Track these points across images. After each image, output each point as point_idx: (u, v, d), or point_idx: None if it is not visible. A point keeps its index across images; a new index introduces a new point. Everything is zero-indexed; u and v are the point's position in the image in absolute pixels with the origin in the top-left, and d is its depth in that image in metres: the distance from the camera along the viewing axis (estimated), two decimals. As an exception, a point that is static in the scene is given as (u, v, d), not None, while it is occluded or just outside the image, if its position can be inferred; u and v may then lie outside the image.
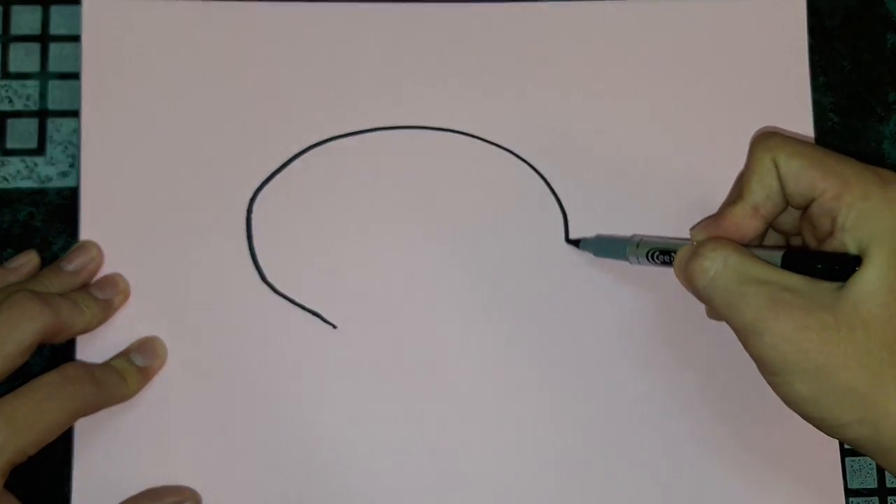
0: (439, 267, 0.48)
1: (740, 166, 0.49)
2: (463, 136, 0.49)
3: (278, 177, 0.48)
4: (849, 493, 0.48)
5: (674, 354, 0.48)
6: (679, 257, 0.41)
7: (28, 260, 0.46)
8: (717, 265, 0.38)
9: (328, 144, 0.49)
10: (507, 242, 0.48)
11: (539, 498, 0.46)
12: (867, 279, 0.36)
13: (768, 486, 0.47)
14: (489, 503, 0.46)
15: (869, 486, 0.48)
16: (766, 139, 0.39)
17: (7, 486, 0.40)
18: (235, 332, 0.47)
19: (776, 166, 0.39)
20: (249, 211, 0.48)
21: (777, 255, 0.38)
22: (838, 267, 0.36)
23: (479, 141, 0.49)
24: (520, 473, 0.47)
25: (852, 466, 0.48)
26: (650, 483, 0.47)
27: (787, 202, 0.40)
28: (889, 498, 0.48)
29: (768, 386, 0.47)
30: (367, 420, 0.47)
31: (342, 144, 0.49)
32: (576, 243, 0.48)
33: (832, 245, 0.38)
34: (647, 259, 0.44)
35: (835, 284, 0.36)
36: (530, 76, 0.50)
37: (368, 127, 0.49)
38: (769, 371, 0.37)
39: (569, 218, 0.49)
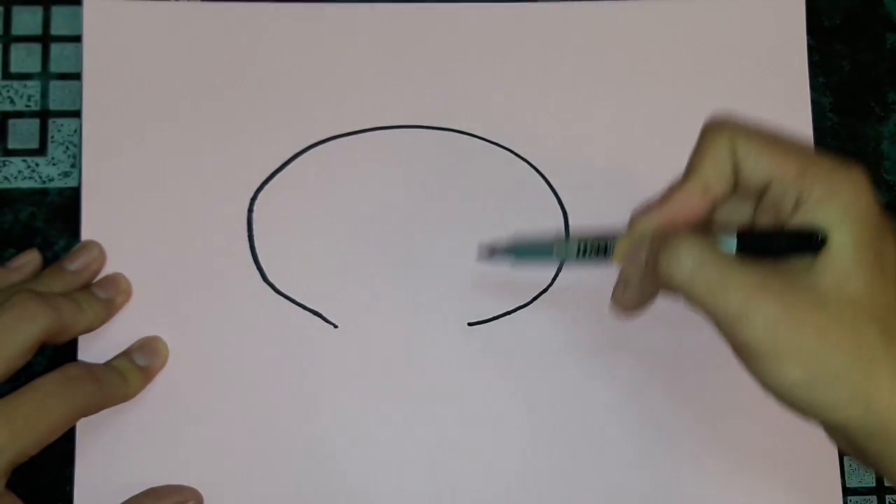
0: (440, 266, 0.48)
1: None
2: (463, 136, 0.49)
3: (279, 176, 0.48)
4: (847, 491, 0.48)
5: (672, 351, 0.48)
6: (624, 244, 0.38)
7: (30, 260, 0.46)
8: (695, 260, 0.36)
9: (328, 144, 0.49)
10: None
11: (539, 497, 0.47)
12: (842, 256, 0.35)
13: (766, 484, 0.47)
14: (489, 502, 0.46)
15: (867, 485, 0.49)
16: (724, 122, 0.38)
17: (9, 485, 0.41)
18: (236, 332, 0.47)
19: (733, 150, 0.37)
20: (250, 211, 0.48)
21: (731, 235, 0.37)
22: (804, 243, 0.35)
23: (479, 140, 0.49)
24: (520, 473, 0.47)
25: (850, 465, 0.48)
26: (649, 482, 0.47)
27: (733, 188, 0.38)
28: (888, 497, 0.48)
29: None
30: (368, 419, 0.47)
31: (342, 144, 0.49)
32: (490, 253, 0.41)
33: (797, 221, 0.36)
34: (578, 256, 0.39)
35: (809, 264, 0.35)
36: (530, 76, 0.50)
37: (368, 127, 0.49)
38: (760, 356, 0.35)
39: (569, 216, 0.49)
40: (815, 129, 0.50)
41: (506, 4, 0.51)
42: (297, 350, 0.47)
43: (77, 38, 0.50)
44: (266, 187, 0.48)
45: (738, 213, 0.40)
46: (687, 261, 0.36)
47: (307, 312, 0.47)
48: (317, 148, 0.49)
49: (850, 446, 0.37)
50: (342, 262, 0.48)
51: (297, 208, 0.48)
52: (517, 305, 0.48)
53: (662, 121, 0.50)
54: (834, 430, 0.37)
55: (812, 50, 0.51)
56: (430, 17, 0.50)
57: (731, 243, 0.37)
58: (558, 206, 0.49)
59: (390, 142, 0.49)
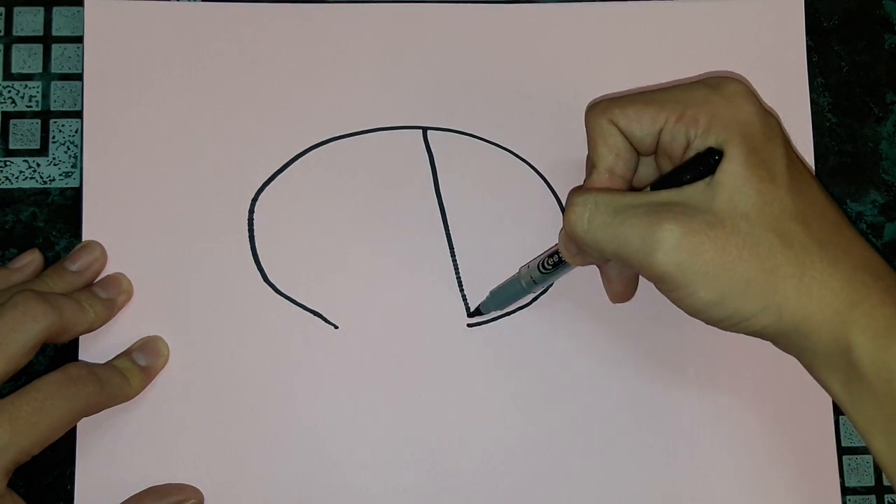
0: (440, 266, 0.48)
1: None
2: (463, 136, 0.50)
3: (280, 177, 0.48)
4: (845, 490, 0.48)
5: (673, 351, 0.48)
6: (560, 240, 0.42)
7: (32, 259, 0.46)
8: (590, 207, 0.38)
9: (329, 145, 0.49)
10: (508, 241, 0.49)
11: (539, 497, 0.47)
12: (732, 171, 0.37)
13: (766, 484, 0.47)
14: (489, 502, 0.47)
15: (866, 485, 0.49)
16: (596, 105, 0.40)
17: (11, 485, 0.41)
18: (237, 332, 0.47)
19: (615, 124, 0.40)
20: (251, 211, 0.48)
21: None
22: (703, 166, 0.37)
23: (479, 141, 0.50)
24: (520, 472, 0.47)
25: (849, 465, 0.49)
26: (647, 480, 0.47)
27: (637, 155, 0.41)
28: (887, 496, 0.49)
29: (763, 387, 0.48)
30: (368, 419, 0.47)
31: (343, 145, 0.49)
32: (478, 313, 0.47)
33: (690, 155, 0.39)
34: (541, 271, 0.44)
35: (703, 186, 0.37)
36: (530, 76, 0.50)
37: (368, 127, 0.49)
38: (671, 287, 0.37)
39: (568, 217, 0.49)
40: (814, 130, 0.51)
41: (506, 5, 0.51)
42: (297, 350, 0.47)
43: (78, 39, 0.50)
44: (267, 188, 0.48)
45: (654, 169, 0.42)
46: (583, 213, 0.39)
47: (308, 313, 0.47)
48: (317, 149, 0.49)
49: (778, 347, 0.38)
50: (343, 263, 0.48)
51: (298, 209, 0.48)
52: (517, 306, 0.48)
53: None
54: (760, 337, 0.38)
55: (811, 51, 0.52)
56: (430, 17, 0.50)
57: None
58: (558, 207, 0.49)
59: (390, 142, 0.49)
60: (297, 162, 0.49)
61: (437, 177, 0.49)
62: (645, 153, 0.41)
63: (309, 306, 0.47)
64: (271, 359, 0.47)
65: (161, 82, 0.49)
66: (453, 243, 0.48)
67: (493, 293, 0.47)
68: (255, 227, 0.48)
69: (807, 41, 0.51)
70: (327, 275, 0.48)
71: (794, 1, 0.51)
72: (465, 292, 0.48)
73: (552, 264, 0.44)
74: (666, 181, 0.38)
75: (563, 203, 0.49)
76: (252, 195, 0.48)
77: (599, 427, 0.47)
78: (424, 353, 0.47)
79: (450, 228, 0.49)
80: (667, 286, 0.38)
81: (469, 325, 0.48)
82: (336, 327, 0.47)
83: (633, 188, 0.42)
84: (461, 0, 0.51)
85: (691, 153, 0.38)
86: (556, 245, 0.43)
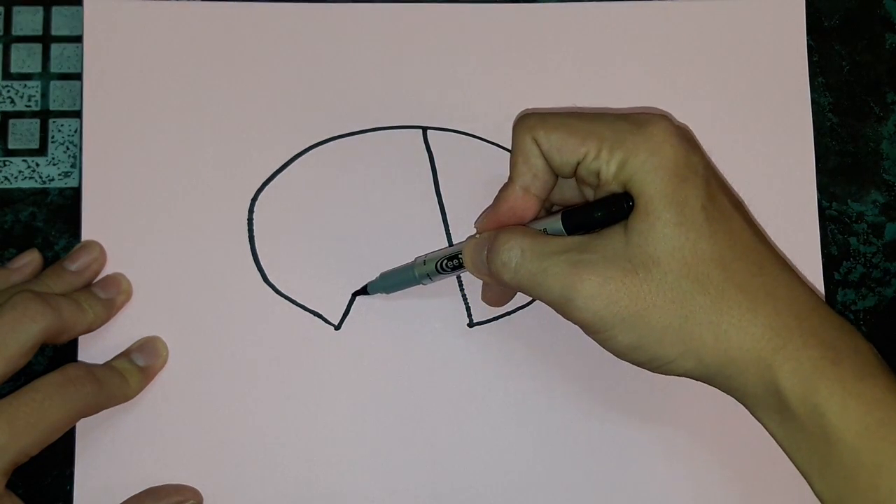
0: (440, 267, 0.48)
1: (740, 166, 0.50)
2: (463, 136, 0.50)
3: (279, 177, 0.48)
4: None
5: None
6: (467, 253, 0.42)
7: (31, 260, 0.46)
8: (516, 255, 0.39)
9: (329, 144, 0.49)
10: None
11: (539, 497, 0.47)
12: (641, 218, 0.37)
13: (765, 484, 0.47)
14: (489, 502, 0.47)
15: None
16: (525, 120, 0.40)
17: (9, 485, 0.41)
18: (237, 332, 0.47)
19: (538, 144, 0.40)
20: (251, 211, 0.48)
21: (557, 219, 0.39)
22: (614, 208, 0.38)
23: (479, 141, 0.50)
24: (520, 473, 0.47)
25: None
26: (647, 480, 0.47)
27: (556, 176, 0.41)
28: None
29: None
30: (368, 419, 0.47)
31: (342, 144, 0.49)
32: (364, 292, 0.47)
33: (601, 194, 0.39)
34: (438, 271, 0.44)
35: (619, 232, 0.37)
36: (530, 76, 0.50)
37: (368, 127, 0.49)
38: (591, 331, 0.38)
39: (568, 217, 0.49)
40: (815, 130, 0.51)
41: (506, 4, 0.51)
42: (297, 350, 0.47)
43: (77, 39, 0.50)
44: (267, 188, 0.48)
45: (574, 192, 0.42)
46: (510, 260, 0.39)
47: (307, 313, 0.47)
48: (317, 148, 0.49)
49: (715, 386, 0.39)
50: (343, 263, 0.48)
51: (298, 209, 0.48)
52: (517, 306, 0.48)
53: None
54: (691, 378, 0.38)
55: (812, 50, 0.52)
56: (430, 17, 0.50)
57: (559, 226, 0.39)
58: (558, 207, 0.49)
59: (390, 142, 0.49)
60: (297, 162, 0.49)
61: (437, 177, 0.49)
62: (565, 177, 0.41)
63: (308, 306, 0.47)
64: (271, 359, 0.47)
65: (161, 82, 0.49)
66: (453, 243, 0.48)
67: (382, 276, 0.47)
68: (255, 227, 0.48)
69: (807, 41, 0.51)
70: (327, 275, 0.48)
71: (794, 0, 0.51)
72: (465, 292, 0.48)
73: (451, 267, 0.44)
74: (578, 215, 0.39)
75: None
76: (252, 195, 0.48)
77: (600, 427, 0.47)
78: (425, 353, 0.47)
79: (450, 228, 0.49)
80: (588, 331, 0.39)
81: (470, 326, 0.48)
82: (336, 327, 0.47)
83: (548, 207, 0.43)
84: (461, 0, 0.51)
85: (603, 192, 0.39)
86: (457, 247, 0.44)
